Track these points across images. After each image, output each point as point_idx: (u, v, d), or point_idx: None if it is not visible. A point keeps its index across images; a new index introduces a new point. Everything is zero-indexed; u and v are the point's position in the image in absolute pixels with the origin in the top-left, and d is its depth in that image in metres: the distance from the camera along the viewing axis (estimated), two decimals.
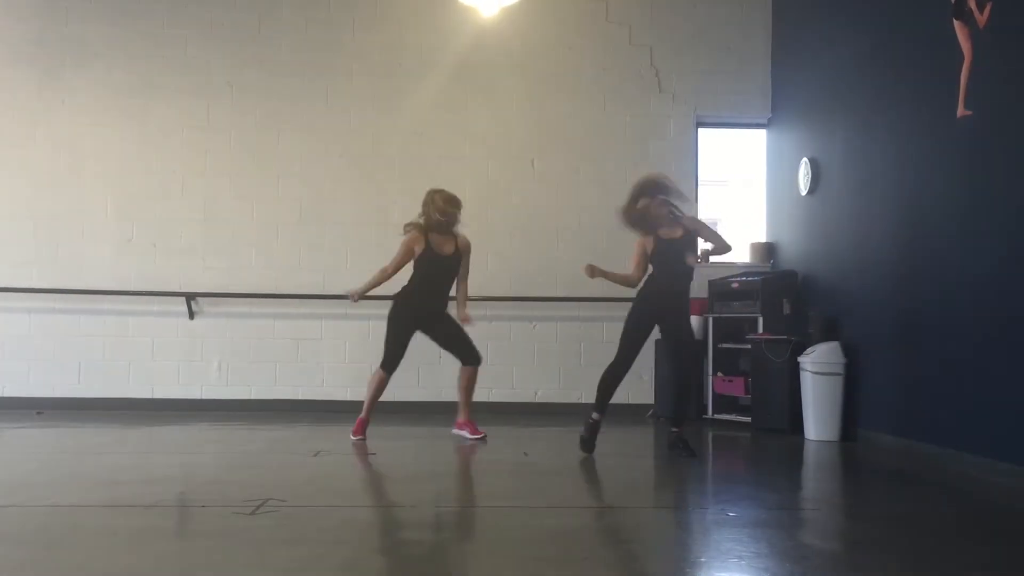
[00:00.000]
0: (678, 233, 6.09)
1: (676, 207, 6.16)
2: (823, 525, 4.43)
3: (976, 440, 5.57)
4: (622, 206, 6.13)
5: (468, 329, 6.83)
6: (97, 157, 9.01)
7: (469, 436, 6.72)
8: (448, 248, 6.73)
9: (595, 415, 6.09)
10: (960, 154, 5.88)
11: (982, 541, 3.96)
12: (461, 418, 6.83)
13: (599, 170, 9.12)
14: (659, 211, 6.07)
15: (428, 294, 6.72)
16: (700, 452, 6.45)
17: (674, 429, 6.14)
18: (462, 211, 6.79)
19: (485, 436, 6.71)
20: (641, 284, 6.17)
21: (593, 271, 6.11)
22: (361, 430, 6.65)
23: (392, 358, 6.69)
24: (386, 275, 6.70)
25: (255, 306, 8.94)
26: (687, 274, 6.16)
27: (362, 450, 6.31)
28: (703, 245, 6.28)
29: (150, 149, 9.05)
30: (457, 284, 6.87)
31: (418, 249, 6.68)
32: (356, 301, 6.84)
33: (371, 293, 6.80)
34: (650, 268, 6.18)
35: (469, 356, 6.80)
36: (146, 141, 9.05)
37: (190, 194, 9.03)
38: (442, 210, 6.66)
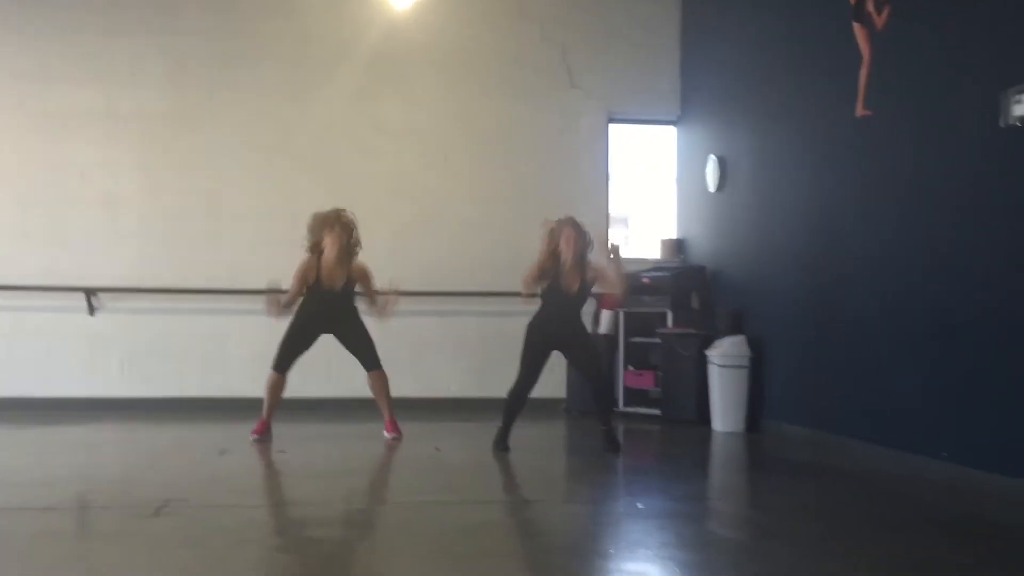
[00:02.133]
0: (575, 287, 6.09)
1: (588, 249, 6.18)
2: (729, 515, 4.53)
3: (875, 430, 5.77)
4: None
5: (380, 324, 6.73)
6: None
7: (387, 434, 6.63)
8: (338, 283, 6.51)
9: (501, 428, 6.16)
10: (859, 153, 6.07)
11: (882, 528, 4.10)
12: (387, 420, 6.69)
13: (512, 165, 9.14)
14: (570, 250, 6.07)
15: (319, 305, 6.52)
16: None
17: (604, 427, 6.19)
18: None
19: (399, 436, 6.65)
20: (535, 311, 6.20)
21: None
22: (262, 431, 6.49)
23: (282, 359, 6.51)
24: (288, 305, 6.51)
25: (159, 301, 8.68)
26: (577, 310, 6.22)
27: (269, 449, 6.19)
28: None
29: (47, 138, 8.70)
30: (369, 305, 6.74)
31: (310, 279, 6.48)
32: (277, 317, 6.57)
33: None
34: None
35: (369, 362, 6.66)
36: (43, 129, 8.69)
37: (90, 185, 8.72)
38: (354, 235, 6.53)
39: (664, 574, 3.29)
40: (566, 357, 6.41)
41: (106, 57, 8.78)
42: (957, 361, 5.05)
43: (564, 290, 6.10)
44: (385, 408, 6.69)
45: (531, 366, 6.14)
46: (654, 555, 3.51)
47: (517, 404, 6.16)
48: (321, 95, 9.01)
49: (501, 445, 6.09)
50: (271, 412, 6.55)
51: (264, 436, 6.46)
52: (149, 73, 8.83)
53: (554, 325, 6.12)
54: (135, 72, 8.82)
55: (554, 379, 8.69)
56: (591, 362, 6.29)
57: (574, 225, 6.22)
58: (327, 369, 8.38)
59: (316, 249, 6.51)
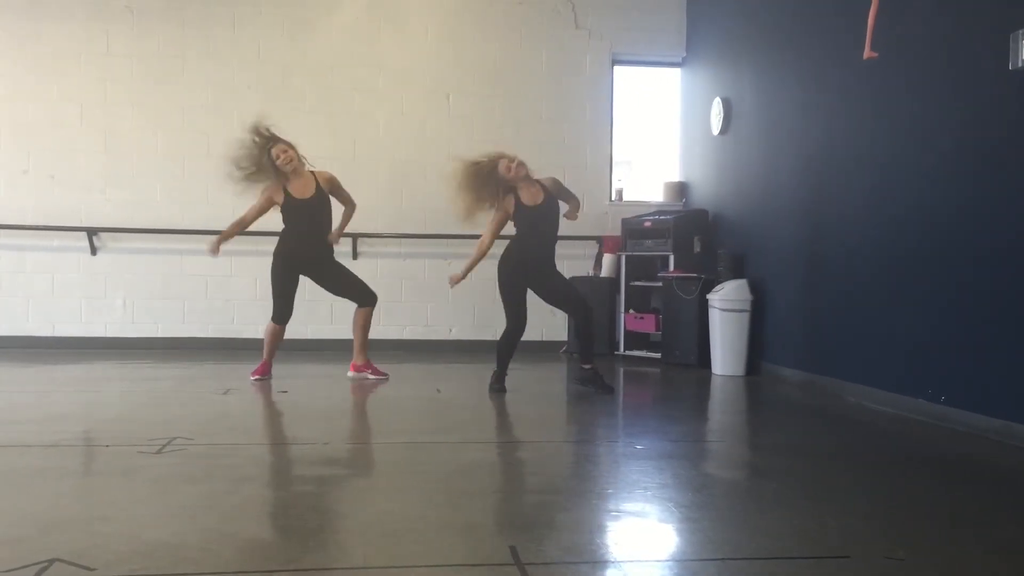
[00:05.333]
0: (540, 198, 6.02)
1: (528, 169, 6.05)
2: (726, 456, 4.57)
3: (874, 373, 5.80)
4: (467, 164, 5.99)
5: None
6: None
7: (371, 376, 6.67)
8: (308, 191, 6.40)
9: (496, 371, 6.17)
10: (865, 96, 6.00)
11: (878, 468, 4.14)
12: (359, 361, 6.71)
13: (514, 106, 9.06)
14: (516, 172, 5.95)
15: (300, 239, 6.44)
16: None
17: (585, 366, 6.21)
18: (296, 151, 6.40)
19: (387, 376, 6.68)
20: (508, 248, 6.10)
21: (454, 280, 6.12)
22: (263, 372, 6.54)
23: (280, 310, 6.49)
24: (242, 225, 6.49)
25: (160, 242, 8.69)
26: (553, 238, 6.14)
27: (271, 389, 6.23)
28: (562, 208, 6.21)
29: (45, 76, 8.63)
30: (348, 208, 6.66)
31: (278, 199, 6.39)
32: (215, 254, 6.60)
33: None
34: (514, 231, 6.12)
35: (364, 298, 6.64)
36: (40, 67, 8.62)
37: (89, 124, 8.67)
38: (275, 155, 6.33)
39: (662, 513, 3.33)
40: (541, 294, 6.21)
41: None
42: (953, 306, 5.05)
43: (530, 204, 5.96)
44: (364, 345, 6.68)
45: (516, 304, 6.05)
46: (652, 495, 3.55)
47: (508, 347, 6.13)
48: (320, 33, 8.90)
49: (496, 387, 6.11)
50: (271, 355, 6.60)
51: (265, 376, 6.51)
52: (147, 11, 8.72)
53: (532, 262, 6.03)
54: (133, 10, 8.71)
55: (555, 322, 8.74)
56: (570, 292, 6.23)
57: (500, 155, 6.02)
58: (329, 311, 8.43)
59: (263, 169, 6.33)
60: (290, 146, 6.36)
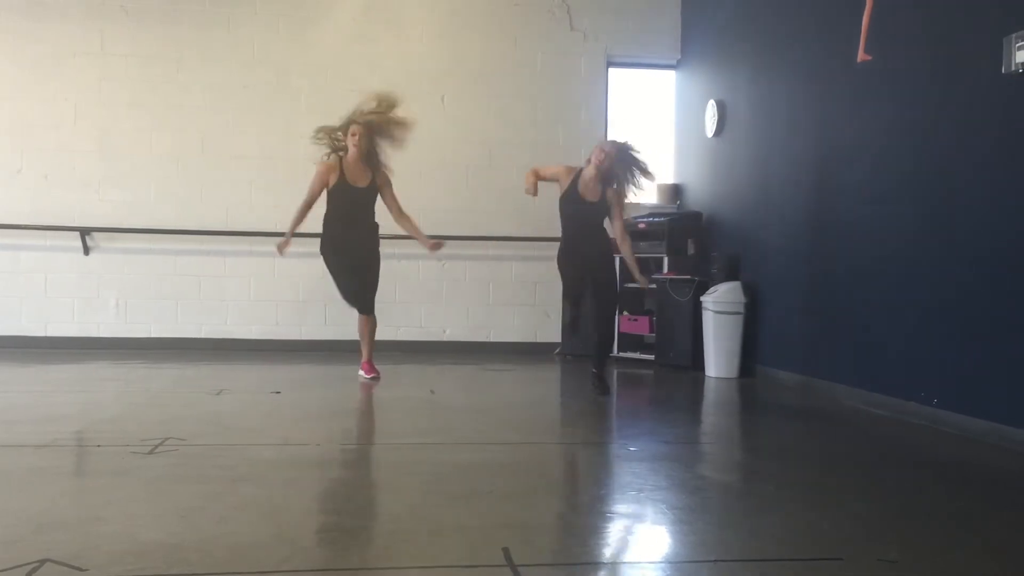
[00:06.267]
0: (596, 196, 5.95)
1: (624, 175, 5.97)
2: (720, 458, 4.57)
3: (867, 375, 5.81)
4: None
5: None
6: None
7: (365, 376, 6.67)
8: (363, 180, 6.45)
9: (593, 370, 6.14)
10: (859, 99, 6.02)
11: (873, 472, 4.15)
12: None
13: (509, 108, 9.07)
14: (606, 158, 5.88)
15: (337, 225, 6.44)
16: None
17: (596, 371, 6.16)
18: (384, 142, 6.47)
19: (377, 376, 6.65)
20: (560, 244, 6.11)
21: (531, 182, 5.96)
22: (367, 369, 6.64)
23: (350, 298, 6.54)
24: (306, 207, 6.41)
25: (154, 242, 8.67)
26: (597, 233, 6.03)
27: (264, 389, 6.22)
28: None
29: (40, 75, 8.62)
30: (397, 221, 6.69)
31: (332, 179, 6.43)
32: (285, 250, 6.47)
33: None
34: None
35: (359, 304, 6.62)
36: (36, 66, 8.61)
37: (84, 123, 8.65)
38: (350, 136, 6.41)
39: (655, 515, 3.33)
40: (590, 284, 6.05)
41: None
42: (947, 309, 5.07)
43: (580, 196, 5.92)
44: (366, 348, 6.69)
45: (570, 286, 6.00)
46: (645, 497, 3.55)
47: (572, 327, 6.09)
48: (317, 35, 8.91)
49: (602, 387, 6.07)
50: (369, 349, 6.63)
51: (372, 375, 6.59)
52: (143, 10, 8.71)
53: (577, 243, 5.95)
54: (129, 10, 8.70)
55: (549, 324, 8.75)
56: (608, 296, 6.12)
57: (615, 144, 6.00)
58: (323, 312, 8.43)
59: (337, 149, 6.43)
60: (370, 131, 6.35)
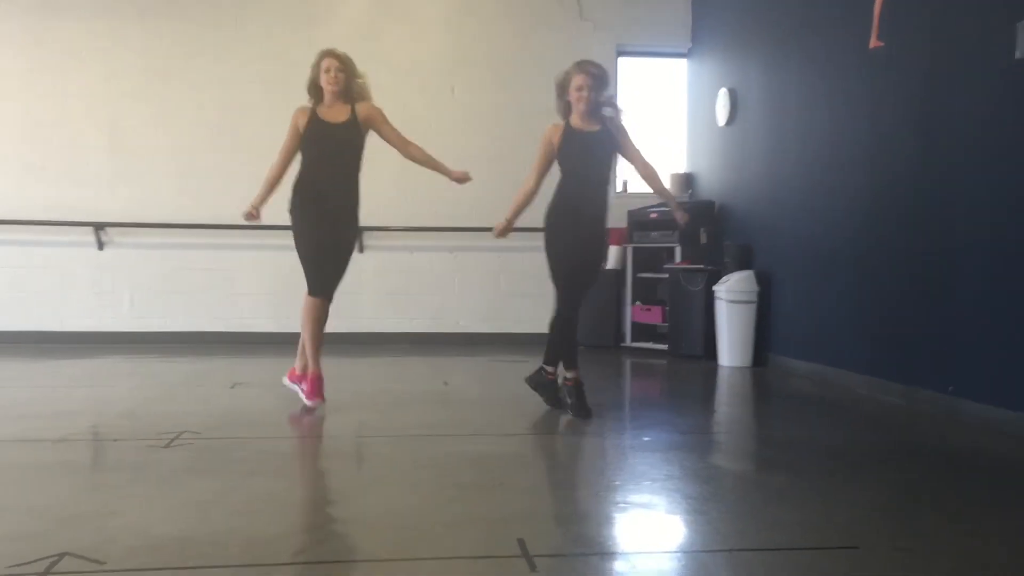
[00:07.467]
0: (596, 126, 4.99)
1: (608, 101, 5.09)
2: (734, 447, 4.56)
3: (882, 364, 5.79)
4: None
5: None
6: None
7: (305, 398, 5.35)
8: (339, 116, 5.24)
9: (548, 368, 5.26)
10: (871, 85, 5.98)
11: (887, 460, 4.14)
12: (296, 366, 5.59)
13: (519, 97, 9.04)
14: (582, 86, 4.96)
15: (315, 171, 5.23)
16: (618, 379, 6.56)
17: (570, 375, 5.21)
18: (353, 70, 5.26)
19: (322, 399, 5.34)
20: (550, 201, 5.06)
21: (500, 229, 5.24)
22: (295, 378, 5.60)
23: (312, 278, 5.34)
24: (272, 176, 5.38)
25: (168, 236, 8.70)
26: (603, 184, 5.04)
27: (279, 383, 6.23)
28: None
29: (53, 71, 8.65)
30: (405, 153, 5.63)
31: (302, 123, 5.25)
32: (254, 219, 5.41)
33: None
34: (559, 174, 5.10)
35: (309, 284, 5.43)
36: (48, 63, 8.64)
37: (96, 119, 8.68)
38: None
39: (670, 505, 3.33)
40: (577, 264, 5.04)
41: None
42: (963, 296, 5.04)
43: (580, 129, 4.93)
44: (315, 347, 5.39)
45: (567, 276, 5.03)
46: (660, 487, 3.55)
47: (561, 338, 5.17)
48: (326, 28, 8.88)
49: (550, 398, 5.27)
50: (315, 353, 5.34)
51: (300, 384, 5.45)
52: (154, 8, 8.73)
53: (577, 202, 4.92)
54: (140, 5, 8.71)
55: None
56: (590, 280, 5.15)
57: (584, 69, 5.07)
58: (335, 305, 8.43)
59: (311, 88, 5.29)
60: (345, 65, 5.21)
